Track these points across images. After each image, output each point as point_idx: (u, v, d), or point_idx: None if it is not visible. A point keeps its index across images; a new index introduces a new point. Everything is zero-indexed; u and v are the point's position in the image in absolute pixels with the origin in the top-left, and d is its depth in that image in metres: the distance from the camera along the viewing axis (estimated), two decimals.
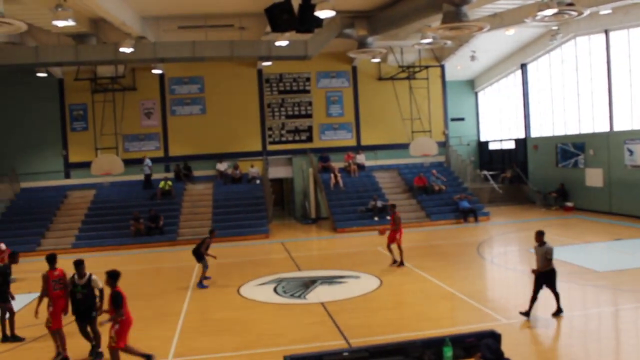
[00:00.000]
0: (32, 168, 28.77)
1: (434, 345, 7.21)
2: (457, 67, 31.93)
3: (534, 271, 11.31)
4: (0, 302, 11.52)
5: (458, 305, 12.91)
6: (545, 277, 11.16)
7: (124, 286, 9.28)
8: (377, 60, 29.30)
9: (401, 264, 16.87)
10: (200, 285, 15.65)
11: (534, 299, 11.08)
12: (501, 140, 34.13)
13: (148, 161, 28.20)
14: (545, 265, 11.12)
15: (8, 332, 11.61)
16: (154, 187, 27.92)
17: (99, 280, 10.26)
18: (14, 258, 12.75)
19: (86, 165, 27.04)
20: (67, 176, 29.16)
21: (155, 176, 28.73)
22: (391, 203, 20.53)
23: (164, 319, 12.72)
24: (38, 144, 28.89)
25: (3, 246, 18.82)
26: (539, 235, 11.36)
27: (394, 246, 17.19)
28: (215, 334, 11.39)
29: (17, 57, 22.06)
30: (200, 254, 15.83)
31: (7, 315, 11.65)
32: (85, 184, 28.31)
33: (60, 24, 16.43)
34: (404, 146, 29.46)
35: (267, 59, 26.02)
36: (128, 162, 27.68)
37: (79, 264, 10.29)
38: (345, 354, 7.26)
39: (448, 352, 7.10)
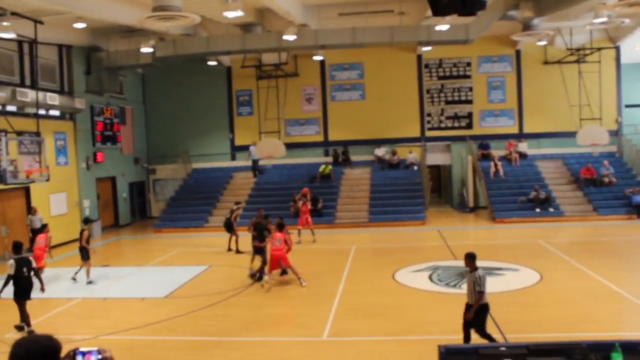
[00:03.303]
0: (202, 150, 30.89)
1: (602, 349, 6.72)
2: (636, 47, 29.30)
3: (466, 313, 9.07)
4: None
5: (628, 308, 11.97)
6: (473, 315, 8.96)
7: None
8: (543, 43, 27.68)
9: (283, 273, 14.94)
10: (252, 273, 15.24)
11: (466, 339, 9.04)
12: None
13: (253, 148, 28.71)
14: (476, 299, 8.92)
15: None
16: (263, 172, 29.24)
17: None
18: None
19: None
20: (233, 158, 30.99)
21: (314, 160, 29.63)
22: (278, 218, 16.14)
23: (320, 299, 13.12)
24: (208, 127, 30.93)
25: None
26: (469, 259, 9.12)
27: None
28: (369, 318, 11.55)
29: (190, 47, 23.81)
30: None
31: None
32: (249, 166, 29.82)
33: (230, 15, 17.45)
34: (571, 134, 27.63)
35: (426, 44, 25.62)
36: (289, 146, 28.66)
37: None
38: (502, 348, 6.99)
39: (617, 358, 6.60)
